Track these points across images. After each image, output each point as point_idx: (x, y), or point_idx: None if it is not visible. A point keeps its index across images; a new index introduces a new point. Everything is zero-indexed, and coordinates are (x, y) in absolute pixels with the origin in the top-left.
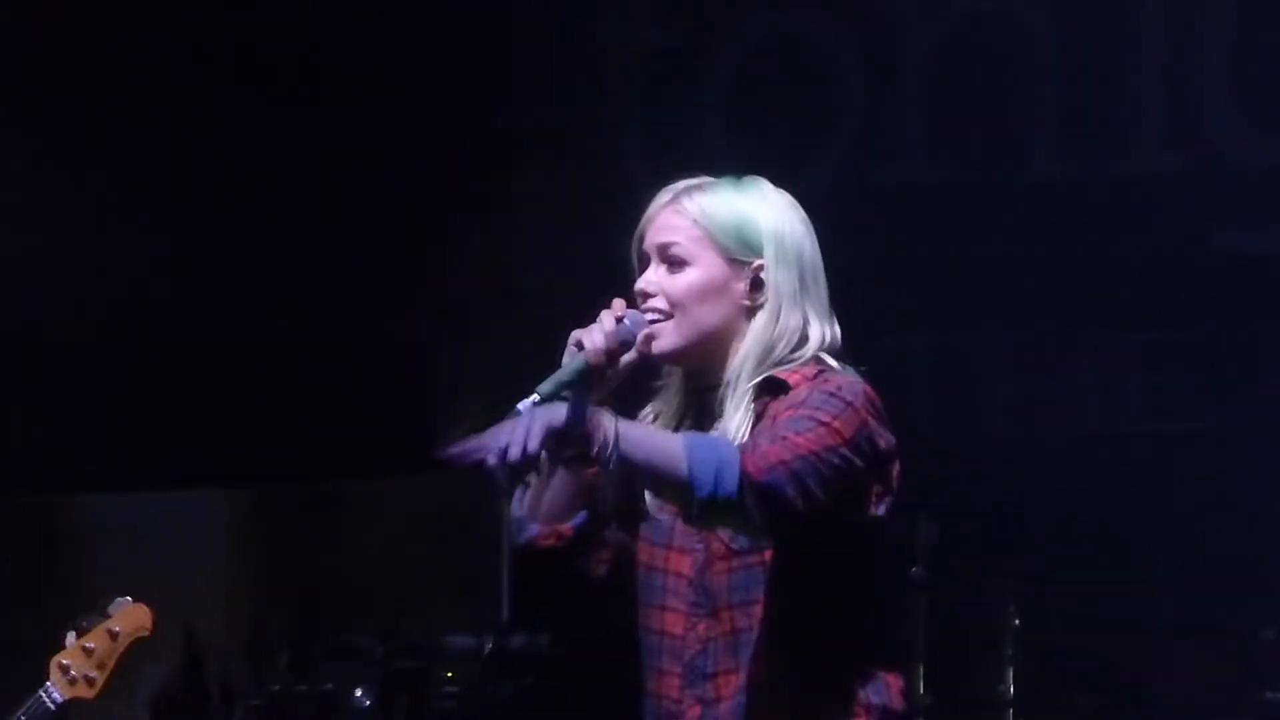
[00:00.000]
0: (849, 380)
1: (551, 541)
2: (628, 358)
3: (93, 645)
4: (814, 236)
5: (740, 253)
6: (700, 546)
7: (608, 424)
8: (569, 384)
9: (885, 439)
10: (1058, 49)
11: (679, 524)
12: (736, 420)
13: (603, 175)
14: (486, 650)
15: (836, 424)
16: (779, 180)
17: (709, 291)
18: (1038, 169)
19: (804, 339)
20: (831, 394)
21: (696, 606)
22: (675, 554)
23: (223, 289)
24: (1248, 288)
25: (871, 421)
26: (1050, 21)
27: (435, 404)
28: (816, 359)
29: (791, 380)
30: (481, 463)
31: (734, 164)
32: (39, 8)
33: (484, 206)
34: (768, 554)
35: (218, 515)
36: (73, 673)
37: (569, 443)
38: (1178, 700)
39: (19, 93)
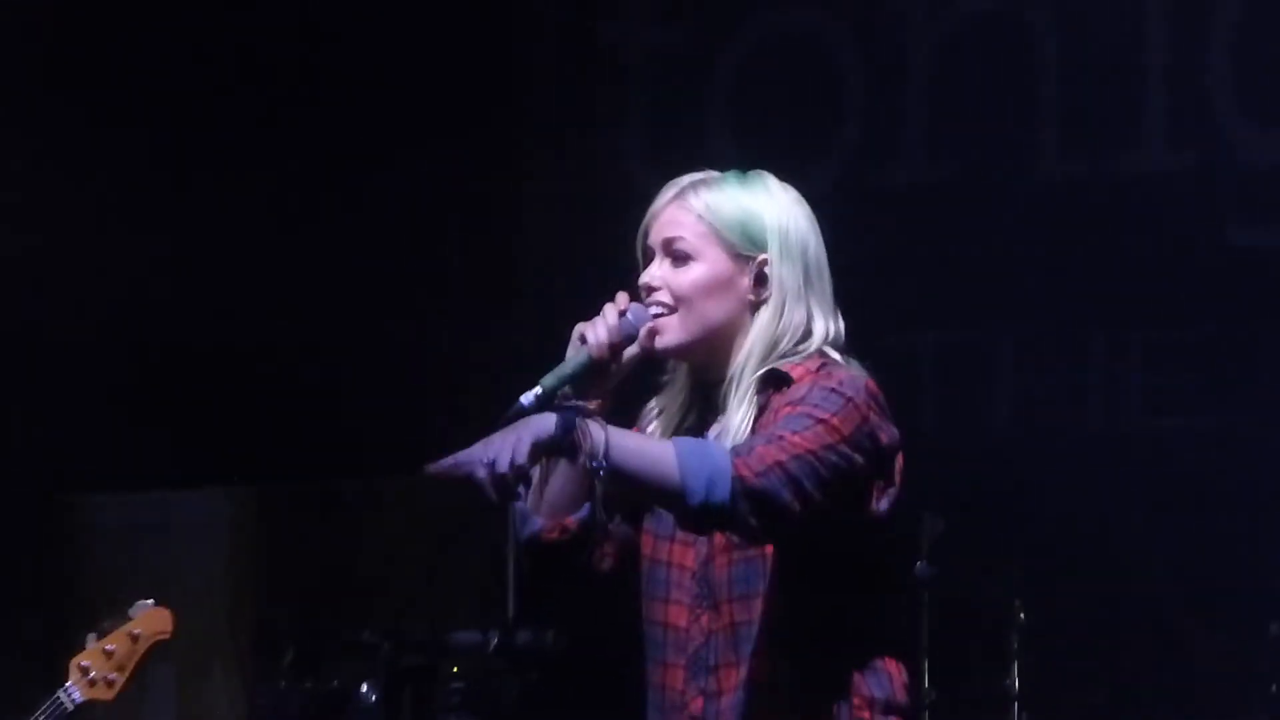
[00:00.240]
0: (851, 375)
1: (555, 535)
2: (631, 351)
3: (113, 647)
4: (819, 232)
5: (745, 248)
6: (703, 540)
7: (597, 434)
8: (572, 377)
9: (887, 433)
10: (1060, 47)
11: None
12: (739, 415)
13: (604, 175)
14: (492, 646)
15: (836, 421)
16: (781, 180)
17: (714, 287)
18: (1041, 168)
19: (808, 334)
20: (832, 390)
21: (699, 599)
22: (679, 547)
23: (225, 288)
24: (1251, 285)
25: (873, 417)
26: (1053, 20)
27: (438, 403)
28: (820, 353)
29: (795, 373)
30: (470, 476)
31: (736, 164)
32: (39, 7)
33: (485, 206)
34: (769, 548)
35: (221, 513)
36: (92, 674)
37: (558, 453)
38: (1184, 695)
39: (19, 93)
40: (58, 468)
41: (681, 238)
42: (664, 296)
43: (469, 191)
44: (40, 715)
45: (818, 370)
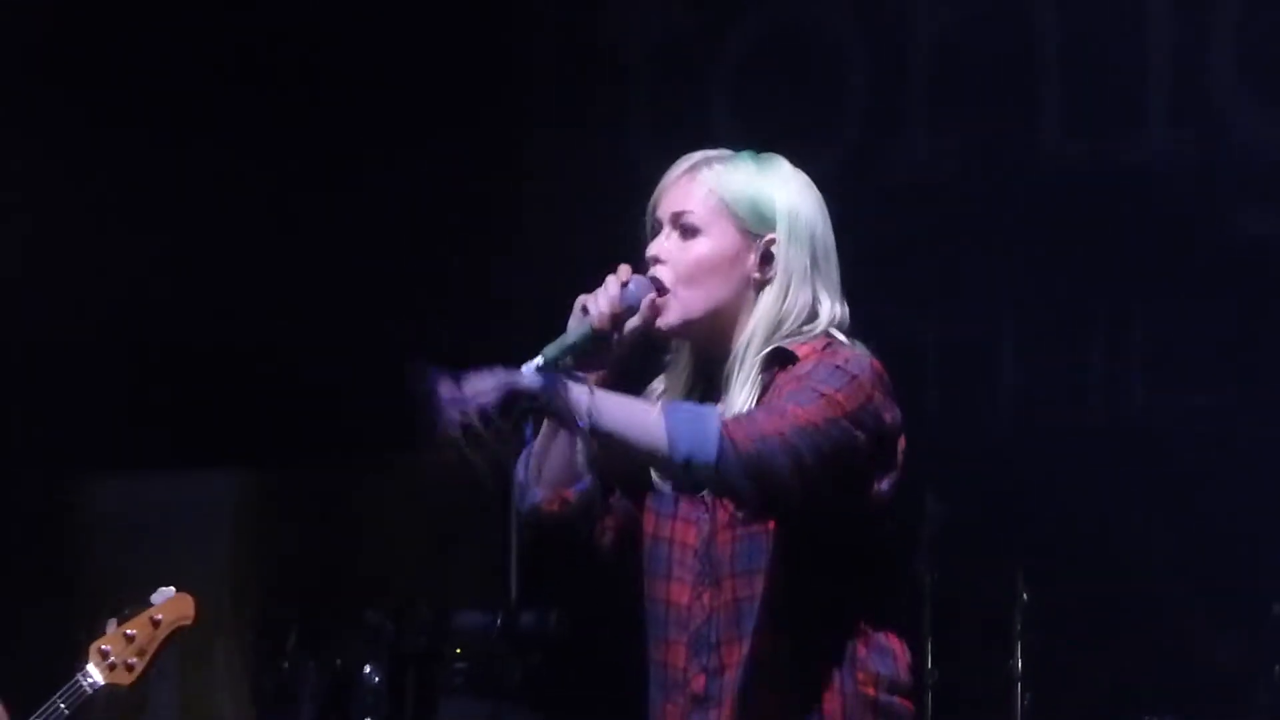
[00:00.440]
0: (857, 354)
1: (556, 507)
2: (633, 323)
3: (134, 632)
4: (828, 217)
5: (754, 225)
6: (706, 516)
7: (581, 392)
8: (574, 348)
9: (891, 414)
10: (1062, 32)
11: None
12: (743, 394)
13: (606, 170)
14: (495, 628)
15: (840, 396)
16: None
17: (720, 262)
18: (1043, 153)
19: (813, 315)
20: (837, 366)
21: (701, 576)
22: (681, 524)
23: (227, 280)
24: (1254, 272)
25: (877, 395)
26: (1055, 4)
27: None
28: (826, 334)
29: (800, 352)
30: (444, 420)
31: (741, 147)
32: (38, 7)
33: (485, 205)
34: (773, 524)
35: (225, 496)
36: (112, 659)
37: (539, 409)
38: (1186, 676)
39: (19, 93)
40: (62, 452)
41: (691, 211)
42: (667, 271)
43: (469, 190)
44: (58, 699)
45: (823, 349)
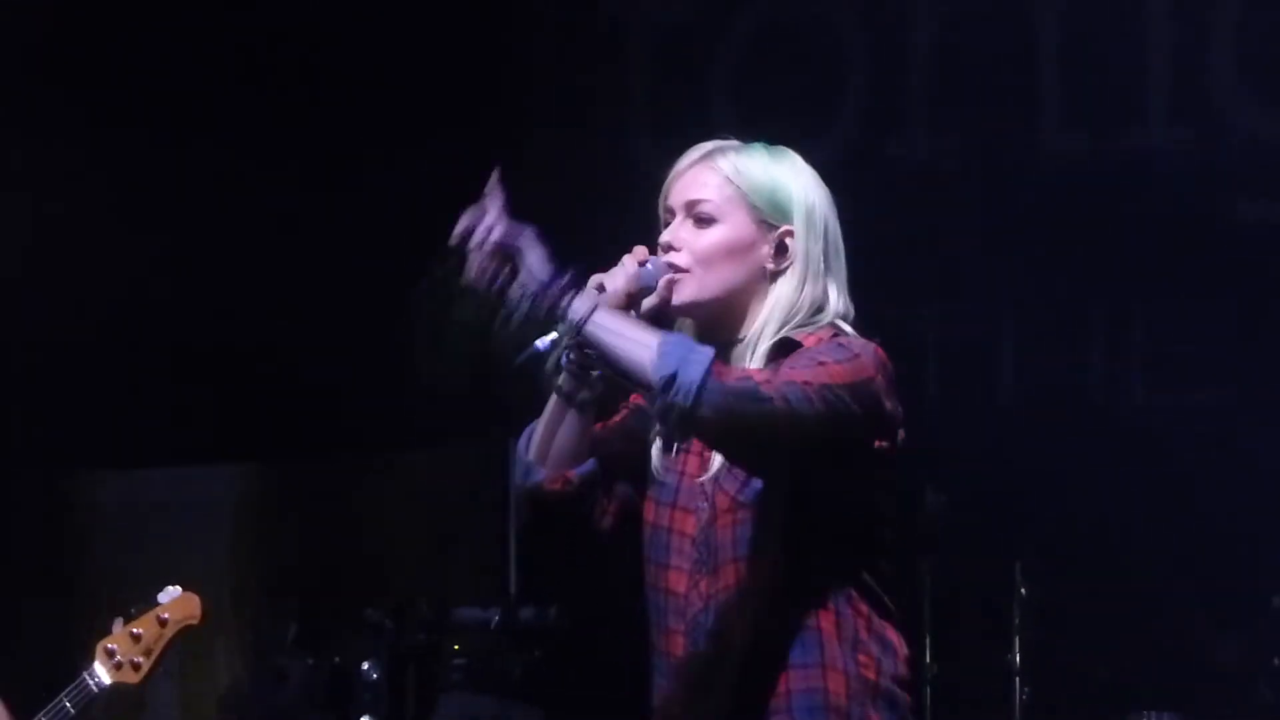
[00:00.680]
0: (863, 341)
1: (558, 486)
2: (649, 302)
3: (140, 631)
4: (836, 213)
5: (770, 215)
6: (705, 505)
7: (582, 299)
8: None
9: (892, 402)
10: (1062, 22)
11: (685, 483)
12: None
13: (607, 160)
14: (495, 623)
15: (838, 368)
16: None
17: (735, 250)
18: (1043, 142)
19: (822, 308)
20: (840, 344)
21: (699, 564)
22: (680, 513)
23: (229, 275)
24: (1253, 261)
25: (879, 379)
26: (1056, 1)
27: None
28: (833, 325)
29: (807, 341)
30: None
31: (741, 138)
32: (38, 7)
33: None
34: (773, 507)
35: (225, 490)
36: (118, 658)
37: (534, 293)
38: (1185, 668)
39: (19, 92)
40: (62, 450)
41: (707, 199)
42: (682, 257)
43: (470, 187)
44: (64, 697)
45: (830, 338)
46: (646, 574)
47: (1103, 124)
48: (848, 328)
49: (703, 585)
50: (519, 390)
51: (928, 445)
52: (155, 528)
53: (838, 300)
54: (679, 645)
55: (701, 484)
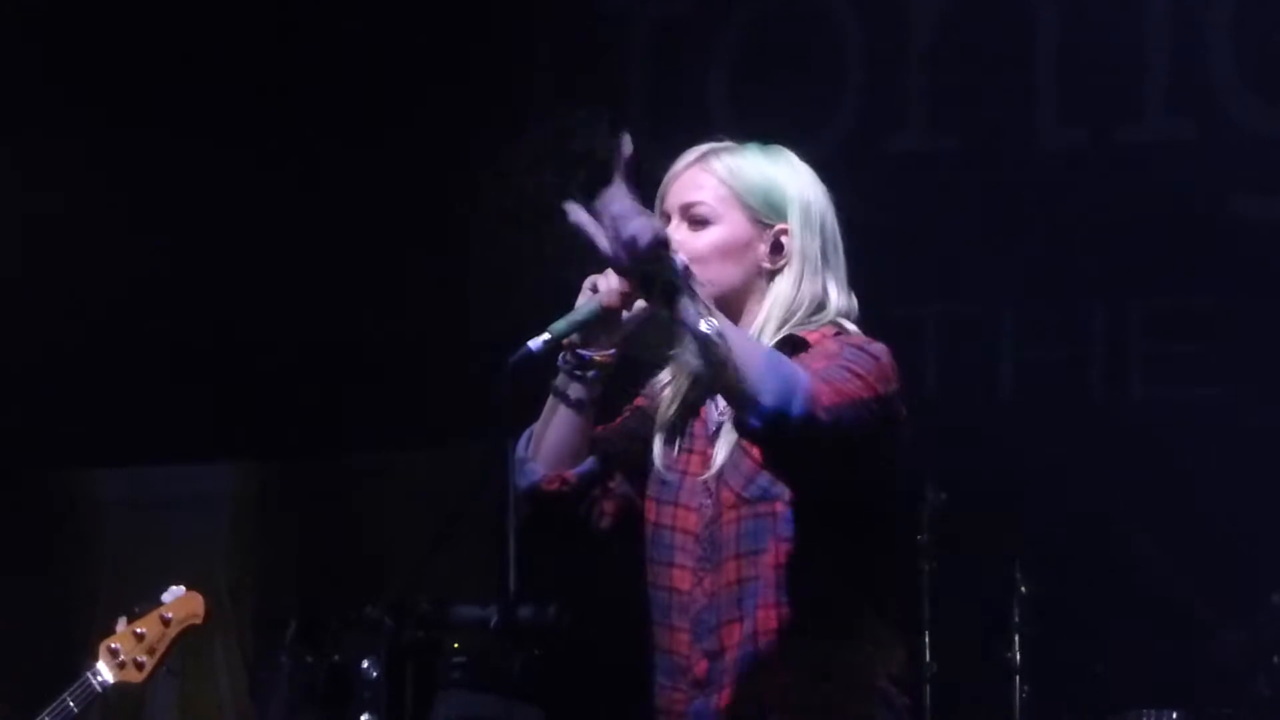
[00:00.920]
0: (881, 346)
1: (556, 486)
2: (643, 303)
3: (144, 630)
4: (834, 210)
5: (765, 215)
6: (709, 502)
7: (712, 315)
8: (582, 324)
9: (900, 404)
10: (1060, 16)
11: (687, 481)
12: None
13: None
14: (494, 621)
15: (871, 379)
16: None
17: (731, 250)
18: (1041, 137)
19: (823, 306)
20: (861, 348)
21: (702, 561)
22: (683, 511)
23: (230, 272)
24: (1251, 256)
25: (894, 383)
26: None
27: (437, 384)
28: (834, 322)
29: (811, 339)
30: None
31: (739, 133)
32: (38, 7)
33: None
34: (777, 505)
35: (224, 488)
36: (122, 657)
37: (661, 286)
38: (1185, 666)
39: (19, 93)
40: (61, 447)
41: (702, 202)
42: (680, 257)
43: (472, 177)
44: (67, 697)
45: (835, 335)
46: (648, 573)
47: (1101, 120)
48: (851, 325)
49: (706, 582)
50: (515, 390)
51: (928, 442)
52: (156, 525)
53: (839, 297)
54: (683, 643)
55: (704, 481)
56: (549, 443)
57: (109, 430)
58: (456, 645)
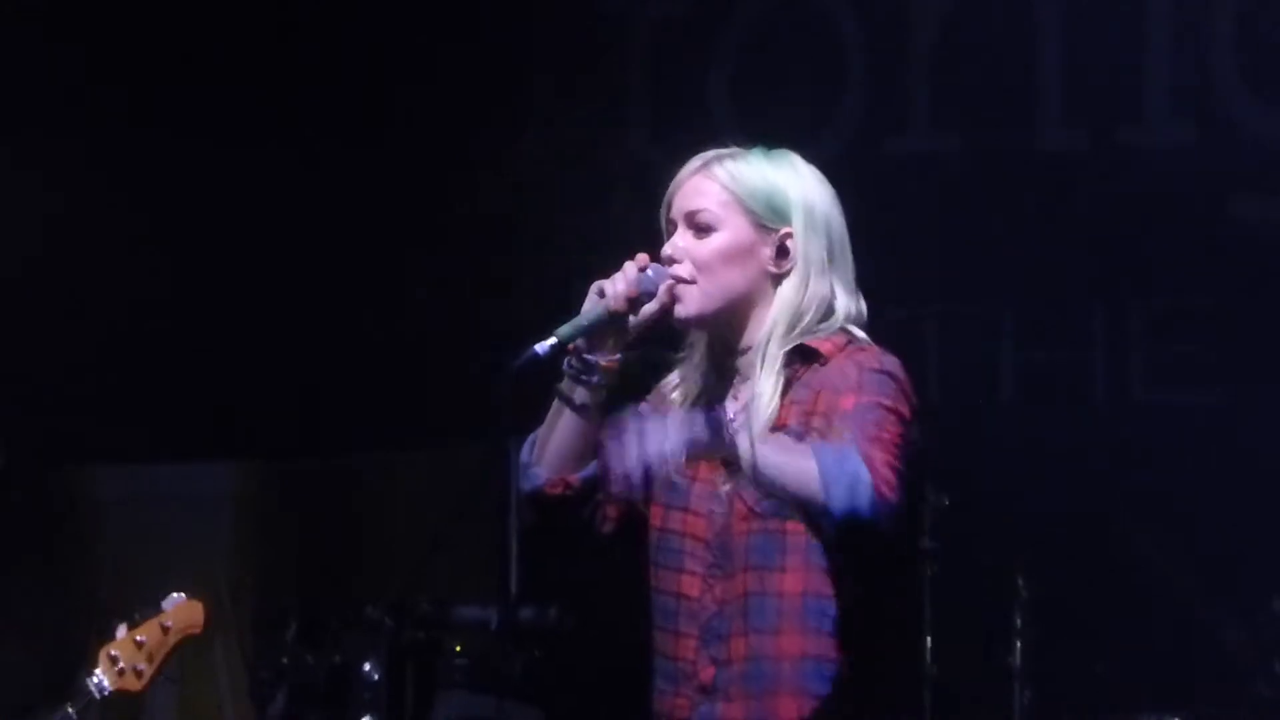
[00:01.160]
0: (887, 358)
1: (559, 490)
2: (649, 308)
3: (144, 638)
4: (841, 212)
5: (768, 219)
6: (720, 509)
7: (743, 438)
8: (588, 329)
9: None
10: (1063, 18)
11: (696, 486)
12: (768, 386)
13: (607, 152)
14: (495, 622)
15: (901, 408)
16: (785, 150)
17: (735, 255)
18: (1043, 139)
19: (831, 310)
20: (878, 371)
21: (713, 568)
22: (691, 517)
23: (230, 272)
24: (1253, 258)
25: (914, 399)
26: None
27: (439, 381)
28: (845, 330)
29: (824, 349)
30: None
31: (740, 133)
32: (39, 7)
33: (488, 191)
34: (789, 524)
35: (225, 487)
36: (121, 664)
37: (706, 453)
38: (1186, 670)
39: (19, 93)
40: (61, 446)
41: (705, 209)
42: (684, 268)
43: (473, 177)
44: (67, 705)
45: (845, 346)
46: (654, 578)
47: (1103, 122)
48: (860, 333)
49: (717, 589)
50: (519, 393)
51: (928, 445)
52: (156, 525)
53: (846, 300)
54: (689, 649)
55: (717, 489)
56: (552, 447)
57: (109, 430)
58: (458, 648)
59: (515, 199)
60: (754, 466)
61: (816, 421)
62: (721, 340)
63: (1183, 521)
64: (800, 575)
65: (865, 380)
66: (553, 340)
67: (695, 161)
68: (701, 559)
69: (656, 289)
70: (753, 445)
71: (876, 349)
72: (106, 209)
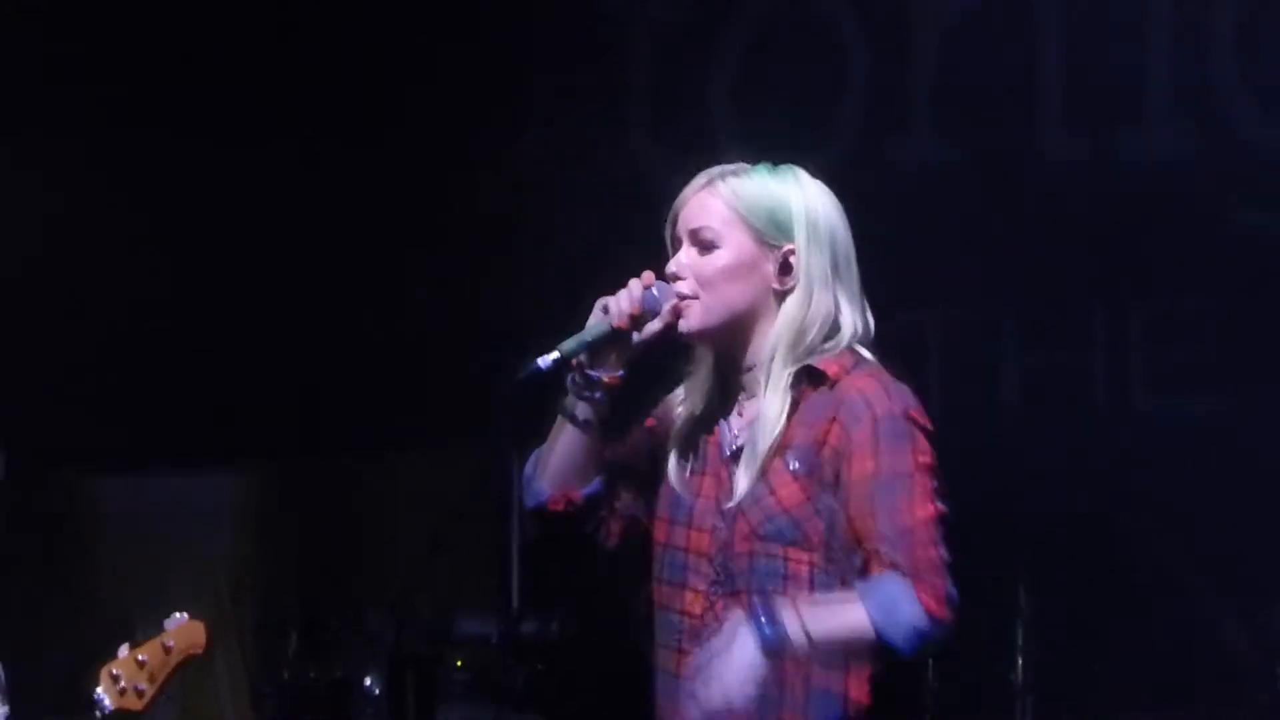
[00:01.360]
0: (896, 388)
1: (562, 507)
2: (653, 326)
3: (145, 657)
4: (847, 225)
5: (771, 235)
6: (723, 526)
7: (795, 630)
8: (591, 345)
9: None
10: (1064, 25)
11: (700, 503)
12: (775, 405)
13: (608, 154)
14: (496, 635)
15: (922, 455)
16: (786, 157)
17: (737, 272)
18: (1044, 146)
19: (836, 326)
20: (894, 417)
21: (716, 585)
22: (695, 533)
23: (231, 276)
24: (1256, 258)
25: (928, 427)
26: (1057, 2)
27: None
28: (851, 350)
29: (830, 370)
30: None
31: (741, 139)
32: (39, 7)
33: (488, 190)
34: (791, 550)
35: (225, 499)
36: (123, 683)
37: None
38: (1189, 680)
39: (18, 93)
40: (61, 454)
41: (708, 226)
42: (688, 285)
43: (473, 177)
44: None
45: (852, 368)
46: (656, 594)
47: (1103, 124)
48: (866, 353)
49: (719, 607)
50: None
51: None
52: (157, 529)
53: (852, 316)
54: (691, 666)
55: (721, 506)
56: (556, 463)
57: (109, 439)
58: (459, 662)
59: (515, 199)
60: (813, 644)
61: (827, 454)
62: (726, 356)
63: (1183, 523)
64: (794, 589)
65: (882, 434)
66: (555, 355)
67: (700, 178)
68: (705, 575)
69: (660, 307)
70: (808, 636)
71: (884, 374)
72: (106, 209)
